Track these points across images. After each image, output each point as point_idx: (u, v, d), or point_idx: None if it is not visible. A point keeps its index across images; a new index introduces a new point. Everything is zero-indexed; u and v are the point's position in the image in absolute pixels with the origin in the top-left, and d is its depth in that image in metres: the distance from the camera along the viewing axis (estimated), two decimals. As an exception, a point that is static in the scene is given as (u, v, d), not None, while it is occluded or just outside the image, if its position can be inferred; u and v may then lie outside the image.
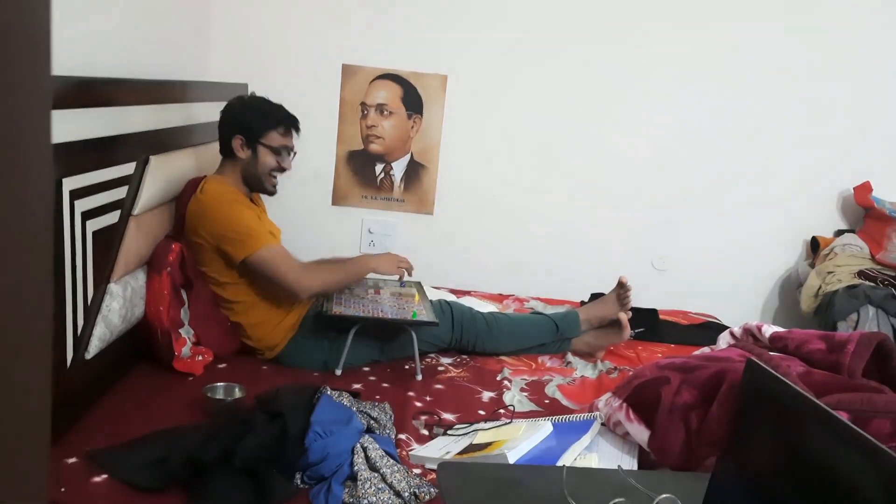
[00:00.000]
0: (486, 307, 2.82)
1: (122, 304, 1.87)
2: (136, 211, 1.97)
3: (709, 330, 2.74)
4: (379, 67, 3.21)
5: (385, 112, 3.25)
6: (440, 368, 2.25)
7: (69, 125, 1.61)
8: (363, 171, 3.29)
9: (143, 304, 1.99)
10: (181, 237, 2.12)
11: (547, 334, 2.42)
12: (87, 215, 1.71)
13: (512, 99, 3.23)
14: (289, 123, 2.22)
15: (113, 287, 1.85)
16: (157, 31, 2.43)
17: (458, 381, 2.17)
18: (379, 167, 3.30)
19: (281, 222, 2.48)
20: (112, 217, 1.85)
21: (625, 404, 1.59)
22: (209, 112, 2.61)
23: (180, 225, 2.13)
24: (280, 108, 2.24)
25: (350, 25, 3.17)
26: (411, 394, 2.02)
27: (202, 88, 2.55)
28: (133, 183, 1.97)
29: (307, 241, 3.26)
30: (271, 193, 2.27)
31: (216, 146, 2.28)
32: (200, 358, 2.05)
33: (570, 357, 2.42)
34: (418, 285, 2.54)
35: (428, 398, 2.02)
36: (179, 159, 2.27)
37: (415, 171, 3.29)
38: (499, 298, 3.06)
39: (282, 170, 2.23)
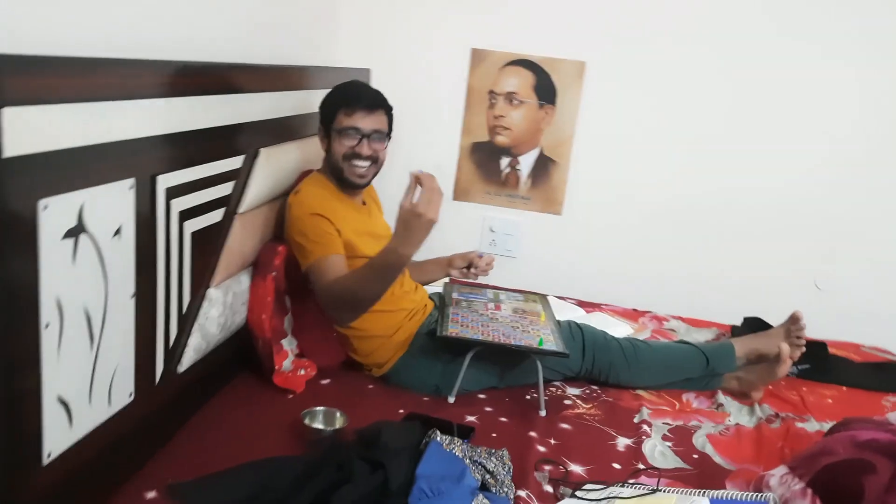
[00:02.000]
0: (619, 327, 2.50)
1: (221, 312, 1.71)
2: (241, 209, 1.79)
3: (889, 373, 2.29)
4: (510, 52, 2.92)
5: (515, 101, 2.96)
6: (567, 402, 1.96)
7: (166, 115, 1.43)
8: (487, 164, 3.03)
9: (245, 311, 1.82)
10: (284, 235, 1.94)
11: (695, 368, 2.08)
12: (186, 215, 1.54)
13: (659, 90, 2.85)
14: (351, 99, 1.95)
15: (213, 292, 1.68)
16: (280, 12, 2.25)
17: (587, 420, 1.87)
18: (505, 161, 3.02)
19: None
20: (215, 216, 1.68)
21: (809, 490, 1.25)
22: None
23: (282, 222, 1.95)
24: (349, 85, 2.00)
25: (481, 6, 2.89)
26: (533, 434, 1.75)
27: (321, 74, 2.36)
28: (240, 178, 1.79)
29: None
30: (357, 186, 2.01)
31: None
32: (303, 372, 1.86)
33: (720, 397, 2.07)
34: (543, 300, 2.26)
35: (552, 441, 1.74)
36: (292, 151, 2.08)
37: (544, 166, 3.00)
38: (633, 315, 2.72)
39: (357, 155, 1.96)
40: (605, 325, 2.49)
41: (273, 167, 1.92)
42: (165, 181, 1.45)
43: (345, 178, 1.97)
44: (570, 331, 2.05)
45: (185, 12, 1.66)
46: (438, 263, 2.23)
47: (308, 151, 2.19)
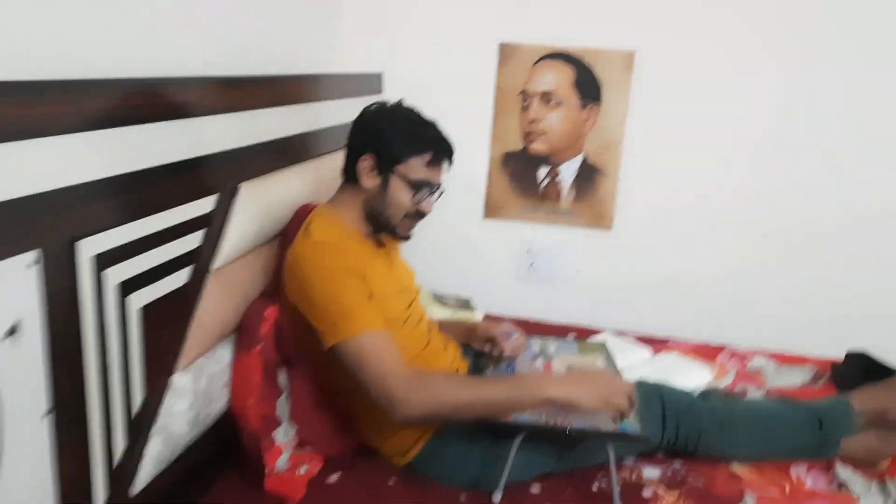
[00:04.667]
0: (696, 372, 2.06)
1: (191, 403, 1.30)
2: (216, 264, 1.39)
3: None
4: (545, 45, 2.49)
5: (552, 101, 2.53)
6: (646, 492, 1.52)
7: (95, 155, 1.03)
8: (523, 176, 2.60)
9: (226, 395, 1.42)
10: (279, 294, 1.52)
11: (805, 434, 1.63)
12: (130, 285, 1.14)
13: (724, 83, 2.39)
14: (441, 150, 1.56)
15: (178, 380, 1.28)
16: (264, 10, 1.85)
17: (677, 518, 1.43)
18: (543, 171, 2.59)
19: (418, 242, 1.84)
20: (177, 278, 1.27)
21: None
22: (331, 113, 2.00)
23: (280, 276, 1.53)
24: (433, 126, 1.58)
25: (509, -8, 2.47)
26: (610, 549, 1.32)
27: (321, 83, 1.95)
28: (214, 224, 1.39)
29: (451, 265, 2.64)
30: (403, 240, 1.62)
31: (338, 158, 1.66)
32: (304, 470, 1.45)
33: (840, 471, 1.61)
34: (603, 351, 1.82)
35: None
36: (286, 182, 1.67)
37: (588, 175, 2.56)
38: (709, 352, 2.27)
39: (419, 214, 1.58)
40: (678, 371, 2.05)
41: (259, 206, 1.52)
42: (93, 246, 1.05)
43: (392, 230, 1.58)
44: (646, 395, 1.61)
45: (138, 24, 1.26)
46: (460, 326, 1.81)
47: (308, 179, 1.78)
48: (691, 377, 2.02)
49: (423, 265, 1.91)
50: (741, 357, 2.25)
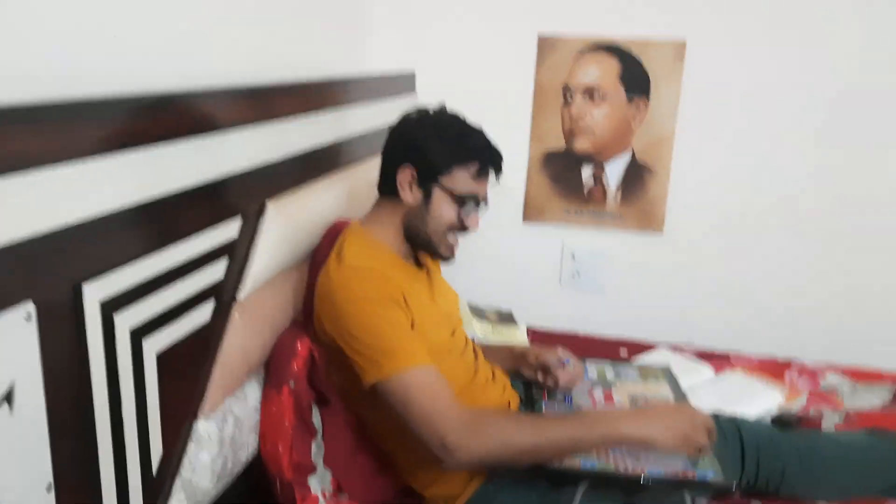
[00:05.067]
0: (764, 395, 1.88)
1: (217, 454, 1.16)
2: (242, 294, 1.25)
3: None
4: (587, 36, 2.32)
5: (596, 96, 2.36)
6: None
7: (97, 186, 0.89)
8: (565, 176, 2.44)
9: (255, 440, 1.28)
10: (312, 324, 1.38)
11: (897, 471, 1.45)
12: (144, 330, 1.00)
13: (783, 73, 2.20)
14: (488, 160, 1.40)
15: (202, 428, 1.15)
16: (286, 12, 1.70)
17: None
18: (587, 171, 2.42)
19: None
20: (198, 317, 1.13)
21: None
22: (361, 118, 1.85)
23: (311, 304, 1.39)
24: (479, 134, 1.42)
25: (549, -20, 2.30)
26: None
27: (350, 86, 1.80)
28: (239, 250, 1.25)
29: (488, 274, 2.48)
30: (445, 259, 1.47)
31: (370, 167, 1.50)
32: (342, 521, 1.31)
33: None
34: (668, 377, 1.65)
35: None
36: (317, 197, 1.53)
37: (637, 175, 2.39)
38: (776, 369, 2.08)
39: (464, 229, 1.43)
40: (746, 394, 1.87)
41: (287, 225, 1.38)
42: (100, 289, 0.91)
43: (434, 249, 1.43)
44: (722, 428, 1.44)
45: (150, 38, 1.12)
46: (508, 353, 1.65)
47: (339, 192, 1.63)
48: (761, 401, 1.84)
49: (458, 275, 1.75)
50: (812, 374, 2.06)
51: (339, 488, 1.35)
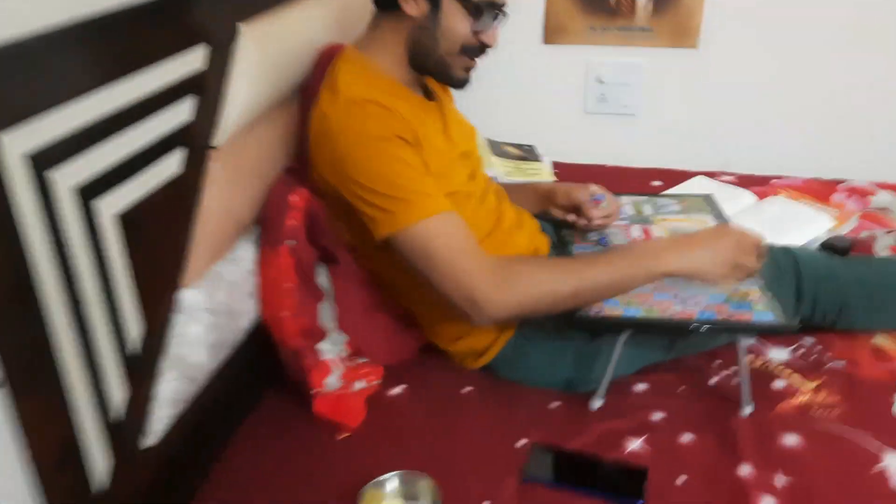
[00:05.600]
0: (812, 220, 1.70)
1: (210, 324, 1.03)
2: (219, 139, 1.06)
3: None
4: None
5: None
6: (777, 384, 1.23)
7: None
8: (589, -11, 2.14)
9: (255, 302, 1.13)
10: (309, 171, 1.19)
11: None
12: (94, 189, 0.82)
13: None
14: None
15: (188, 297, 1.00)
16: None
17: (823, 419, 1.14)
18: (613, -20, 2.12)
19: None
20: (163, 169, 0.95)
21: None
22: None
23: (306, 147, 1.19)
24: None
25: None
26: (746, 472, 1.05)
27: None
28: (208, 86, 1.04)
29: (506, 104, 2.25)
30: (459, 85, 1.24)
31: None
32: (361, 386, 1.19)
33: None
34: (710, 203, 1.47)
35: (779, 481, 1.03)
36: (300, 16, 1.29)
37: (670, -18, 2.09)
38: (822, 190, 1.89)
39: (482, 48, 1.20)
40: (792, 220, 1.70)
41: (268, 53, 1.15)
42: (23, 140, 0.72)
43: (447, 74, 1.21)
44: (776, 262, 1.28)
45: None
46: (534, 192, 1.46)
47: (331, 10, 1.39)
48: (810, 227, 1.67)
49: (472, 107, 1.51)
50: (861, 193, 1.87)
51: (356, 351, 1.22)
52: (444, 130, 1.26)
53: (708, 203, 1.48)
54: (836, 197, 1.87)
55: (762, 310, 1.10)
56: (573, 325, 1.11)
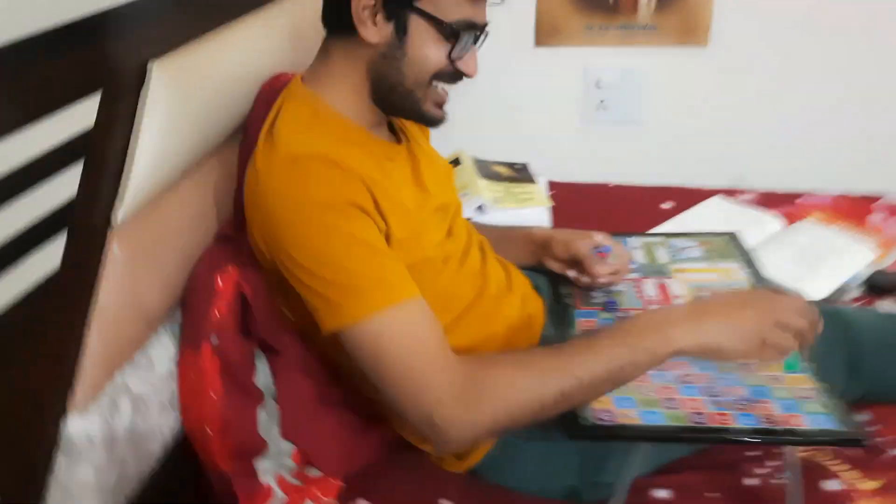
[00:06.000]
0: (850, 250, 1.47)
1: (105, 461, 0.79)
2: (120, 215, 0.82)
3: None
4: None
5: None
6: (831, 485, 0.99)
7: None
8: (585, -16, 1.90)
9: (176, 414, 0.90)
10: (243, 236, 0.95)
11: None
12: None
13: None
14: None
15: (76, 429, 0.77)
16: None
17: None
18: (612, -28, 1.89)
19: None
20: (33, 268, 0.72)
21: None
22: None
23: (241, 208, 0.95)
24: None
25: None
26: None
27: None
28: (106, 147, 0.81)
29: (495, 114, 2.00)
30: (431, 123, 1.01)
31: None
32: (312, 507, 0.96)
33: None
34: (737, 247, 1.25)
35: None
36: (237, 42, 1.05)
37: (676, -27, 1.85)
38: (856, 209, 1.66)
39: (458, 76, 0.97)
40: (827, 253, 1.46)
41: (191, 95, 0.92)
42: None
43: (417, 109, 0.98)
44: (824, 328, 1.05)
45: None
46: (526, 241, 1.22)
47: (277, 31, 1.15)
48: (849, 261, 1.44)
49: (458, 119, 1.27)
50: (901, 213, 1.65)
51: (306, 460, 0.99)
52: (415, 179, 1.03)
53: (733, 245, 1.25)
54: (874, 218, 1.64)
55: (816, 410, 0.87)
56: (574, 437, 0.88)
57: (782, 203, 1.71)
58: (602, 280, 1.10)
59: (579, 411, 0.88)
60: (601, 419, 0.87)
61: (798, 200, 1.73)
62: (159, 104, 0.86)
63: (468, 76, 0.97)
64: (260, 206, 0.88)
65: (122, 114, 0.83)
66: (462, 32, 0.92)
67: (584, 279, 1.11)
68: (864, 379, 1.05)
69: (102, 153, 0.80)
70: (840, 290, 1.38)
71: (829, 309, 1.10)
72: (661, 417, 0.87)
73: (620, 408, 0.89)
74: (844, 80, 1.85)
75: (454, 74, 0.96)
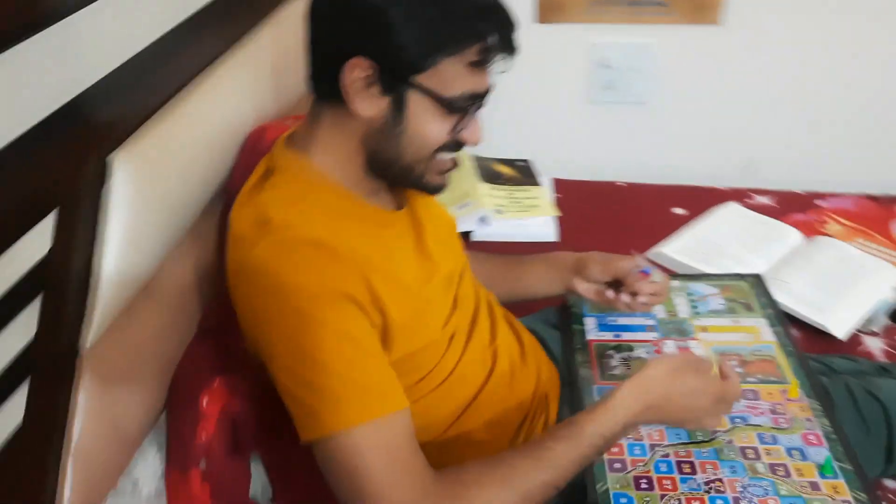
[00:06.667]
0: (874, 273, 1.39)
1: None
2: (89, 340, 0.73)
3: None
4: None
5: None
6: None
7: None
8: (592, -43, 1.75)
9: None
10: (228, 321, 0.86)
11: None
12: None
13: None
14: (497, 36, 0.80)
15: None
16: None
17: None
18: (620, -55, 1.73)
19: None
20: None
21: None
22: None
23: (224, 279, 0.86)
24: None
25: None
26: None
27: None
28: (64, 271, 0.71)
29: (492, 94, 1.87)
30: (434, 192, 0.91)
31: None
32: None
33: None
34: (758, 288, 1.17)
35: None
36: (213, 97, 0.93)
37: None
38: (877, 216, 1.58)
39: (461, 146, 0.87)
40: (854, 276, 1.38)
41: (157, 179, 0.81)
42: None
43: (414, 182, 0.89)
44: (859, 410, 0.99)
45: None
46: (551, 265, 1.14)
47: (257, 70, 1.02)
48: (874, 286, 1.36)
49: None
50: (928, 218, 1.56)
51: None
52: (418, 249, 0.93)
53: (757, 291, 1.17)
54: (896, 227, 1.56)
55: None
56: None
57: (800, 206, 1.62)
58: (642, 300, 1.03)
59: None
60: None
61: (816, 202, 1.63)
62: (123, 203, 0.76)
63: (472, 145, 0.87)
64: (246, 288, 0.80)
65: (80, 228, 0.73)
66: (467, 106, 0.82)
67: (625, 297, 1.04)
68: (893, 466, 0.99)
69: (62, 279, 0.70)
70: (866, 321, 1.31)
71: (867, 389, 1.03)
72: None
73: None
74: (864, 60, 1.73)
75: (457, 145, 0.86)
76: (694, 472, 0.88)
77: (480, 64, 0.80)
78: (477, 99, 0.83)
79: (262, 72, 1.04)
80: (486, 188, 1.63)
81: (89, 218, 0.74)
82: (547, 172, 1.76)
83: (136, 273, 0.79)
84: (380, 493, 0.75)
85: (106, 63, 0.77)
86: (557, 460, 0.80)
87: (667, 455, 0.90)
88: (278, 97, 1.05)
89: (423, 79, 0.80)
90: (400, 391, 0.79)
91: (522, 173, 1.73)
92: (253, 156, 0.93)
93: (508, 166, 1.75)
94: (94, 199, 0.74)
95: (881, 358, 1.24)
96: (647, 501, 0.84)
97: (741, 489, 0.85)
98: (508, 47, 0.81)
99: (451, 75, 0.80)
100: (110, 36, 0.79)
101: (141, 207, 0.78)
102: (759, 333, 1.08)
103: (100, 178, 0.74)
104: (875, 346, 1.27)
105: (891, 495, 1.02)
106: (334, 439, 0.75)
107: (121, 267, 0.76)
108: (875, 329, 1.31)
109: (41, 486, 0.71)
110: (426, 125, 0.82)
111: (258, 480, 0.88)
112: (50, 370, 0.70)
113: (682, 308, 1.14)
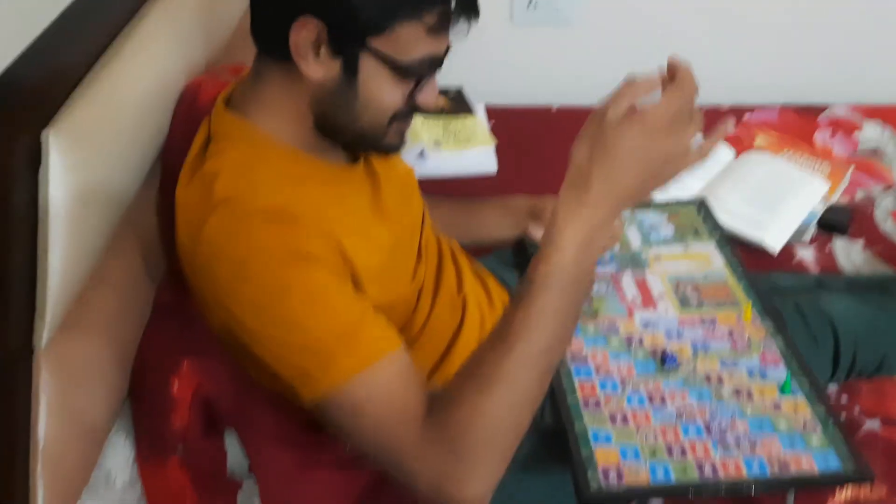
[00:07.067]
0: (804, 185, 1.44)
1: None
2: (45, 335, 0.68)
3: None
4: None
5: None
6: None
7: None
8: None
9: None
10: (185, 299, 0.82)
11: None
12: None
13: None
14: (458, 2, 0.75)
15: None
16: None
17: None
18: None
19: None
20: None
21: None
22: None
23: (174, 260, 0.81)
24: None
25: None
26: None
27: None
28: (3, 260, 0.64)
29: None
30: (391, 151, 0.87)
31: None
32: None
33: None
34: (703, 211, 1.21)
35: None
36: (141, 51, 0.85)
37: None
38: (801, 127, 1.64)
39: (414, 111, 0.83)
40: (785, 189, 1.42)
41: (95, 154, 0.74)
42: None
43: (368, 144, 0.85)
44: (808, 326, 1.05)
45: None
46: (506, 211, 1.14)
47: (187, 20, 0.94)
48: (803, 198, 1.42)
49: None
50: (846, 130, 1.63)
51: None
52: (377, 200, 0.90)
53: (703, 215, 1.20)
54: (820, 137, 1.62)
55: (820, 445, 0.86)
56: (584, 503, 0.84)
57: (728, 117, 1.64)
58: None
59: (589, 474, 0.83)
60: (608, 479, 0.83)
61: (745, 117, 1.67)
62: (62, 184, 0.69)
63: (426, 110, 0.83)
64: (202, 268, 0.75)
65: (16, 217, 0.66)
66: (424, 70, 0.78)
67: None
68: (844, 367, 1.06)
69: (3, 276, 0.64)
70: (798, 233, 1.36)
71: (813, 306, 1.08)
72: (669, 471, 0.84)
73: (626, 460, 0.85)
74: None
75: (413, 109, 0.82)
76: (664, 402, 0.91)
77: (440, 28, 0.76)
78: (436, 63, 0.79)
79: (186, 14, 0.95)
80: (419, 120, 1.58)
81: (26, 206, 0.67)
82: (479, 99, 1.72)
83: (85, 259, 0.73)
84: (389, 443, 0.72)
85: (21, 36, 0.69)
86: (529, 321, 0.70)
87: (637, 387, 0.93)
88: (208, 39, 0.97)
89: (378, 42, 0.75)
90: (391, 330, 0.77)
91: (455, 101, 1.69)
92: (189, 118, 0.86)
93: (441, 95, 1.69)
94: (29, 182, 0.67)
95: (815, 268, 1.31)
96: (626, 436, 0.87)
97: (710, 415, 0.89)
98: (471, 10, 0.77)
99: (408, 40, 0.75)
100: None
101: (82, 186, 0.71)
102: (710, 258, 1.12)
103: (34, 159, 0.67)
104: (808, 256, 1.33)
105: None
106: (336, 395, 0.72)
107: (68, 254, 0.69)
108: (805, 239, 1.37)
109: (10, 494, 0.67)
110: (380, 91, 0.78)
111: (234, 454, 0.86)
112: (4, 373, 0.65)
113: (635, 239, 1.16)
